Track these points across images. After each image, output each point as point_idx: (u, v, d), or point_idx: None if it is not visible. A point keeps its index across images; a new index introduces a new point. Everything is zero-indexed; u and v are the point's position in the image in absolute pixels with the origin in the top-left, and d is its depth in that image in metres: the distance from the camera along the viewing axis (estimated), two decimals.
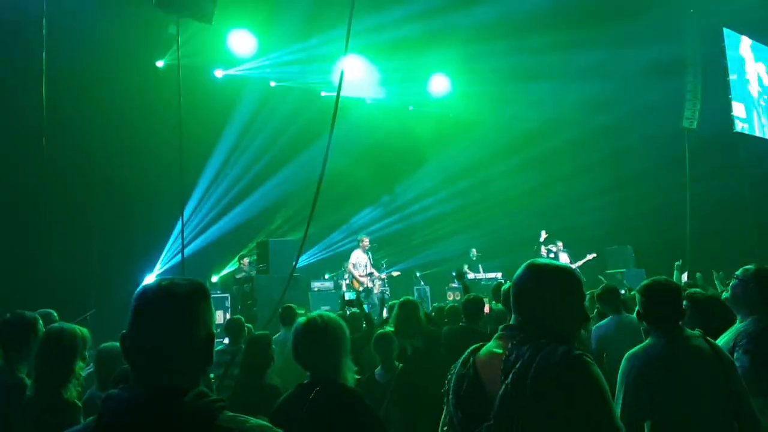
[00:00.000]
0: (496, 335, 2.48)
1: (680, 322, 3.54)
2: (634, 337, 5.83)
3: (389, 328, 5.78)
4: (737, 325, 4.03)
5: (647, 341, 3.54)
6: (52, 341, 3.77)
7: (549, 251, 16.05)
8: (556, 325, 2.38)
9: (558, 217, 18.00)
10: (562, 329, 2.38)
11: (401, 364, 5.23)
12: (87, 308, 11.12)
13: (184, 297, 1.82)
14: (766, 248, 16.45)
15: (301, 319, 3.32)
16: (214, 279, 15.34)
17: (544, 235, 16.45)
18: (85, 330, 3.95)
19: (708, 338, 3.50)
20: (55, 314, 6.06)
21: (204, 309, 1.85)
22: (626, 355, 3.54)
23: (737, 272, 4.17)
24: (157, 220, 13.67)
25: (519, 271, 2.52)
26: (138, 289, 1.88)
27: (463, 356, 2.50)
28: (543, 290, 2.43)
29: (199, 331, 1.82)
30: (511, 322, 2.49)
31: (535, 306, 2.43)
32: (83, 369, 3.85)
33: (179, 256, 11.88)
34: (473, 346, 2.52)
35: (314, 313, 3.35)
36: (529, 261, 2.54)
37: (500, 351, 2.37)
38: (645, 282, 3.74)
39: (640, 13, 16.31)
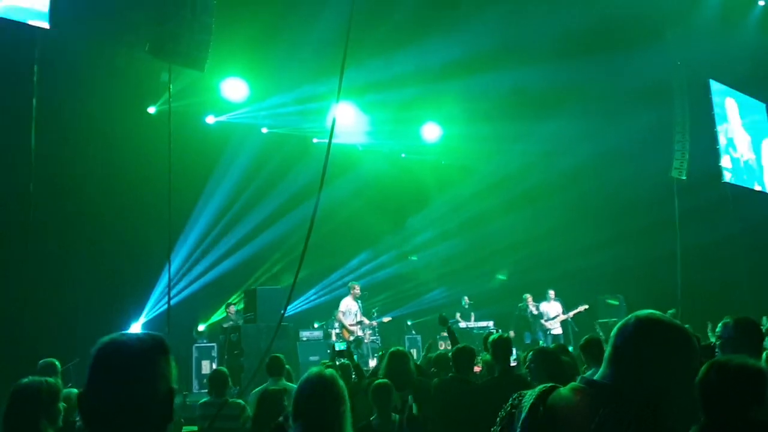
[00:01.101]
0: (570, 385, 2.10)
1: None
2: None
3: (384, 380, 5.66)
4: None
5: None
6: (15, 399, 3.56)
7: (527, 308, 16.24)
8: (656, 389, 1.98)
9: (550, 266, 17.95)
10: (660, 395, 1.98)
11: (397, 416, 5.16)
12: (71, 357, 10.90)
13: (140, 352, 1.77)
14: (757, 297, 16.42)
15: (306, 376, 3.30)
16: (201, 328, 15.14)
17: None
18: (51, 380, 3.76)
19: None
20: (58, 364, 5.91)
21: (162, 364, 1.79)
22: None
23: (717, 330, 4.15)
24: (144, 267, 13.56)
25: (625, 321, 2.11)
26: (94, 346, 1.79)
27: (529, 405, 2.11)
28: (650, 347, 2.02)
29: (158, 386, 1.76)
30: (595, 377, 2.10)
31: (634, 363, 2.03)
32: (50, 426, 3.62)
33: (165, 305, 11.72)
34: (538, 391, 2.12)
35: (315, 370, 3.33)
36: (638, 313, 2.14)
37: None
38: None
39: (630, 64, 16.51)
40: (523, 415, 2.10)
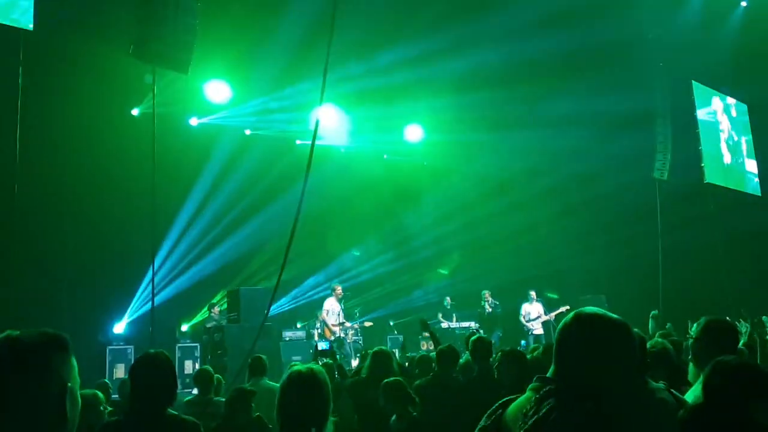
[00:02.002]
0: (529, 386, 2.23)
1: (645, 375, 3.53)
2: None
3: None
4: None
5: None
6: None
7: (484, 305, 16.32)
8: (595, 383, 2.11)
9: (531, 266, 18.06)
10: (600, 388, 2.10)
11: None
12: None
13: (31, 347, 1.68)
14: (738, 297, 16.55)
15: (290, 371, 3.27)
16: (184, 328, 15.16)
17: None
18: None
19: (672, 390, 3.49)
20: None
21: (56, 361, 1.69)
22: None
23: (691, 331, 4.21)
24: (128, 268, 13.57)
25: (566, 318, 2.28)
26: None
27: (491, 409, 2.29)
28: (587, 343, 2.17)
29: (49, 384, 1.66)
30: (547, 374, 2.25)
31: (574, 359, 2.19)
32: None
33: (149, 305, 11.74)
34: (504, 399, 2.28)
35: (300, 366, 3.30)
36: (577, 310, 2.31)
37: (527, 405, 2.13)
38: None
39: (611, 65, 16.65)
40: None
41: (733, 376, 2.79)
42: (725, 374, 2.82)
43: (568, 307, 16.18)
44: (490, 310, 16.12)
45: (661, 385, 3.51)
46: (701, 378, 4.04)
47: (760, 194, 20.46)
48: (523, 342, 15.79)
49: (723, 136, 20.25)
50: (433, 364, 6.85)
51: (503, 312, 16.37)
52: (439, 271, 19.73)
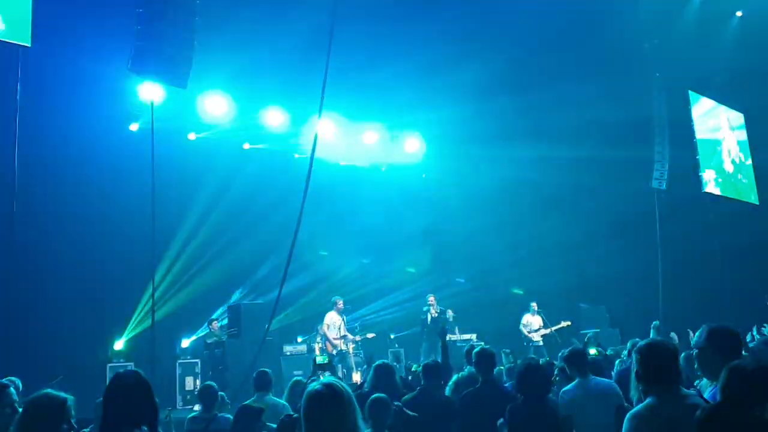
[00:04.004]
0: None
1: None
2: (600, 400, 5.87)
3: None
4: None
5: (648, 401, 3.64)
6: (34, 410, 3.44)
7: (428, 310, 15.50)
8: None
9: (531, 277, 18.04)
10: None
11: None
12: (54, 376, 10.85)
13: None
14: (738, 306, 16.51)
15: (309, 389, 3.10)
16: (185, 344, 15.08)
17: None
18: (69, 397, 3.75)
19: (704, 396, 3.61)
20: (19, 382, 5.89)
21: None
22: (629, 415, 3.63)
23: (692, 341, 4.28)
24: (128, 284, 13.51)
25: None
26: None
27: None
28: None
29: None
30: None
31: None
32: None
33: (149, 321, 11.70)
34: None
35: (318, 383, 3.14)
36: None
37: None
38: (643, 342, 3.88)
39: (608, 75, 16.68)
40: None
41: (750, 378, 2.89)
42: (743, 376, 2.92)
43: (569, 323, 16.18)
44: (435, 315, 15.34)
45: (692, 391, 3.60)
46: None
47: (758, 203, 20.46)
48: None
49: (720, 146, 20.28)
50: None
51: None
52: (407, 269, 19.48)
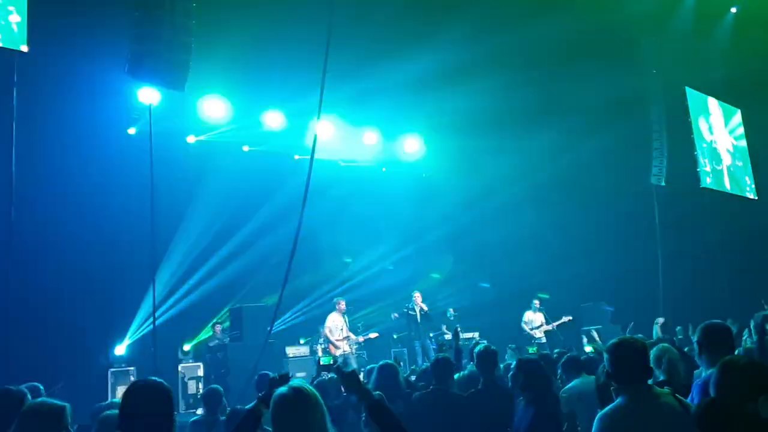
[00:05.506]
0: None
1: (649, 381, 3.68)
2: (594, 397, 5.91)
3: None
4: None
5: (617, 401, 3.62)
6: (31, 417, 3.47)
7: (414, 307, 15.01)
8: None
9: (532, 274, 18.03)
10: None
11: None
12: (56, 381, 10.82)
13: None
14: (738, 301, 16.52)
15: (276, 393, 3.16)
16: (187, 347, 15.05)
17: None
18: (67, 405, 3.72)
19: (677, 395, 3.60)
20: (42, 388, 5.86)
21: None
22: (598, 416, 3.61)
23: (692, 336, 4.42)
24: (129, 288, 13.48)
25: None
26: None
27: None
28: None
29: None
30: None
31: None
32: None
33: (150, 325, 11.68)
34: None
35: (286, 386, 3.19)
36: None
37: None
38: (612, 341, 3.83)
39: (608, 75, 16.68)
40: None
41: (742, 374, 2.89)
42: (734, 372, 2.93)
43: (570, 318, 16.17)
44: (426, 311, 15.03)
45: (666, 390, 3.61)
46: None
47: (756, 197, 20.51)
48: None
49: (718, 141, 20.31)
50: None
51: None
52: (431, 275, 19.55)
